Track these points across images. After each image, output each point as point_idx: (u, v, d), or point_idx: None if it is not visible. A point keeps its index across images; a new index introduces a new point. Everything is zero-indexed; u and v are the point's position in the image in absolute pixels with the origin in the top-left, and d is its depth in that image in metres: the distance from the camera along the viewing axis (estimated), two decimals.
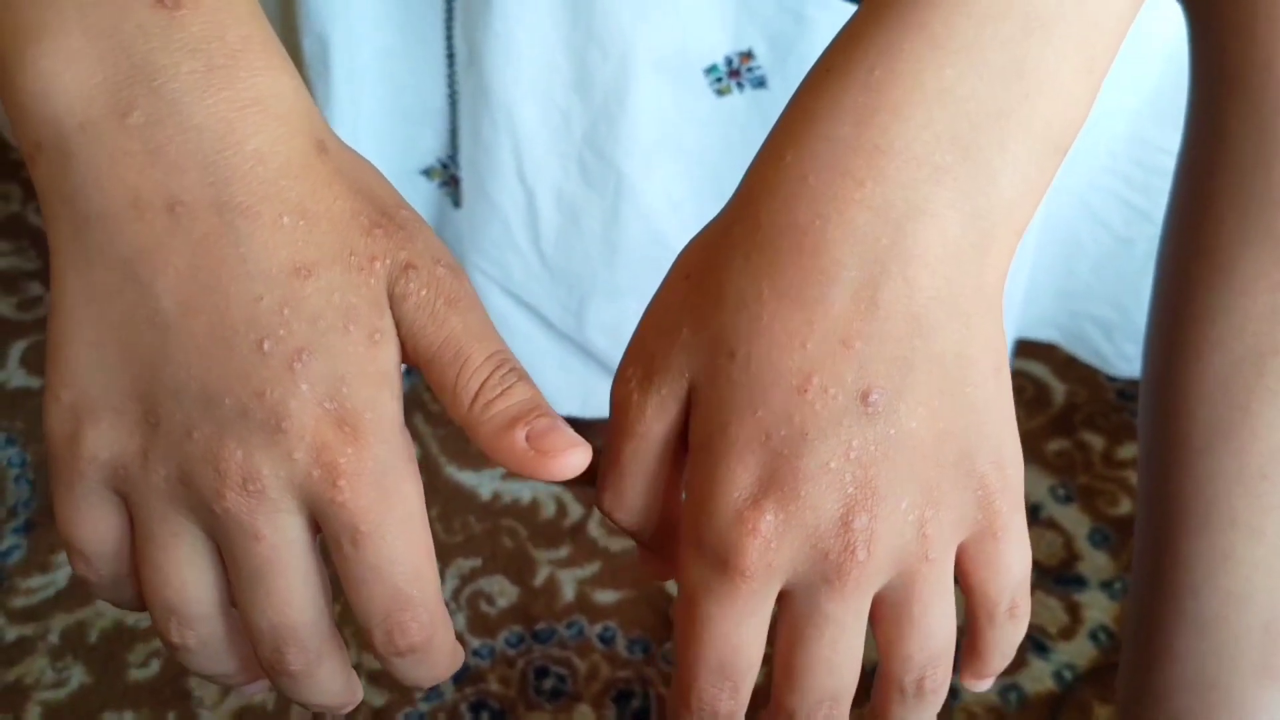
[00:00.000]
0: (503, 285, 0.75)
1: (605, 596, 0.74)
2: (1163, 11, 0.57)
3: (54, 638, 0.70)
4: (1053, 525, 0.80)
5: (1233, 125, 0.38)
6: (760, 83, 0.66)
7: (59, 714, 0.67)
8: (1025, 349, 0.91)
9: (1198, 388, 0.40)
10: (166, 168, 0.27)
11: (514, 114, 0.66)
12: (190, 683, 0.68)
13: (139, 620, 0.71)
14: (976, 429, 0.29)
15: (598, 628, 0.73)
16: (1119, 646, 0.72)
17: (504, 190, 0.70)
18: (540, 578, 0.75)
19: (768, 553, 0.29)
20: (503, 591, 0.74)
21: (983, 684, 0.34)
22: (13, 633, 0.70)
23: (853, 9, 0.30)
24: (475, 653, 0.71)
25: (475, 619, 0.72)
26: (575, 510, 0.79)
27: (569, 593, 0.74)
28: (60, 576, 0.73)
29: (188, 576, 0.30)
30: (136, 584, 0.31)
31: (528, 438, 0.30)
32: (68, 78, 0.27)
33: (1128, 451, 0.85)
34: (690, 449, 0.30)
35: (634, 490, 0.32)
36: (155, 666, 0.69)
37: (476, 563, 0.76)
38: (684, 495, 0.31)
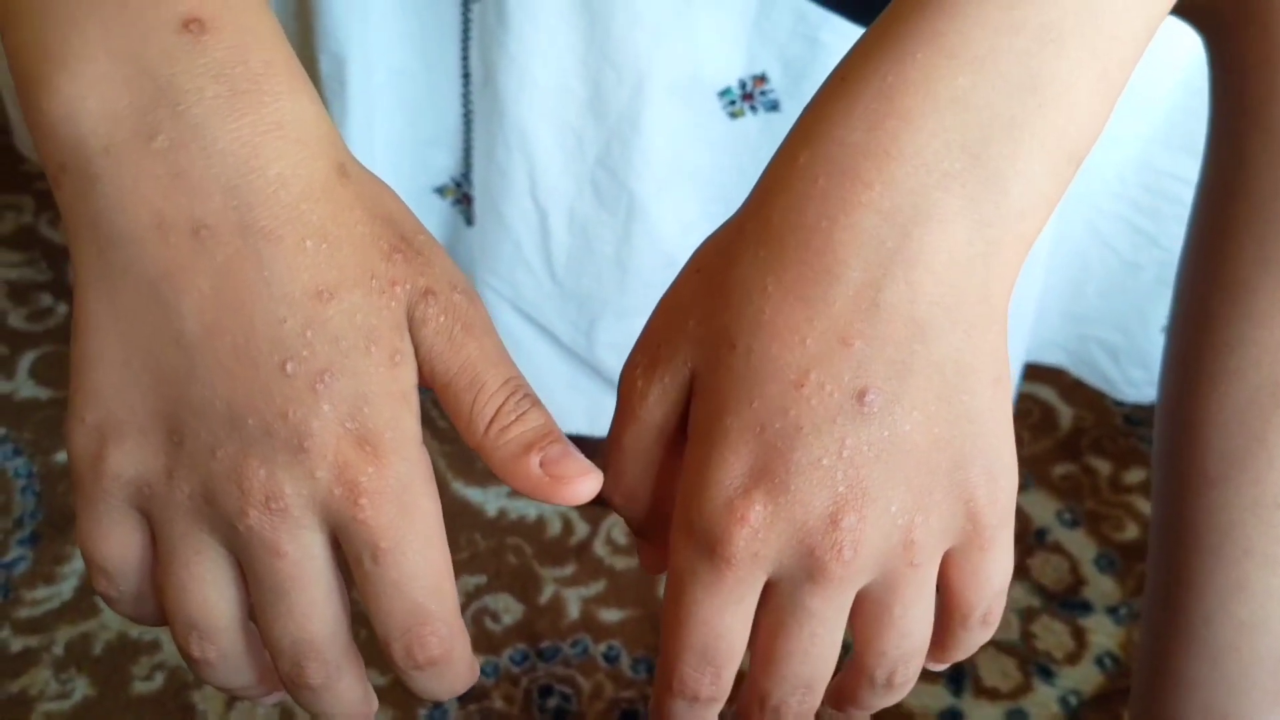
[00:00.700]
0: (513, 303, 0.75)
1: (610, 615, 0.74)
2: (1174, 38, 0.58)
3: (58, 649, 0.70)
4: (1059, 550, 0.80)
5: (1253, 155, 0.38)
6: (774, 106, 0.66)
7: None
8: (1032, 372, 0.91)
9: (1214, 417, 0.40)
10: (190, 191, 0.28)
11: (528, 134, 0.66)
12: (193, 696, 0.68)
13: (143, 633, 0.71)
14: (971, 438, 0.29)
15: (602, 646, 0.73)
16: (1125, 672, 0.72)
17: (517, 209, 0.70)
18: (545, 595, 0.75)
19: (754, 542, 0.29)
20: (507, 609, 0.74)
21: (937, 667, 0.35)
22: (17, 644, 0.70)
23: None
24: (479, 670, 0.71)
25: (480, 636, 0.72)
26: (581, 528, 0.79)
27: (574, 611, 0.74)
28: (65, 588, 0.73)
29: (209, 593, 0.31)
30: (157, 601, 0.32)
31: (541, 464, 0.30)
32: (92, 101, 0.28)
33: (1134, 476, 0.85)
34: (688, 437, 0.31)
35: (632, 475, 0.33)
36: (159, 679, 0.69)
37: (481, 580, 0.76)
38: None
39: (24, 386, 0.87)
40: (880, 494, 0.29)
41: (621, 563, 0.77)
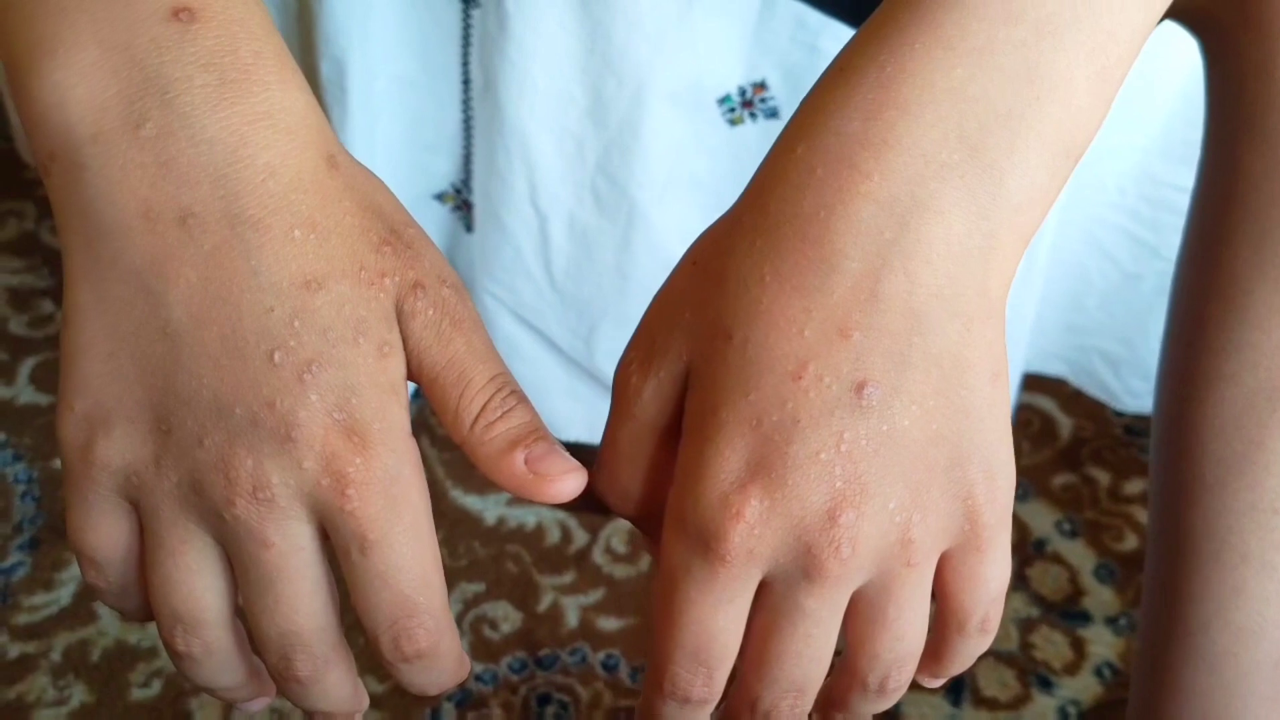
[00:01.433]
0: (513, 310, 0.75)
1: (609, 624, 0.74)
2: (1173, 49, 0.58)
3: (56, 656, 0.70)
4: (1058, 560, 0.80)
5: (1249, 162, 0.38)
6: (773, 113, 0.66)
7: None
8: (1032, 383, 0.91)
9: (1210, 422, 0.40)
10: (178, 180, 0.28)
11: (528, 141, 0.67)
12: (191, 704, 0.68)
13: (141, 640, 0.71)
14: (969, 435, 0.29)
15: (601, 655, 0.72)
16: (1124, 682, 0.72)
17: (517, 216, 0.70)
18: (544, 604, 0.75)
19: (750, 539, 0.29)
20: (506, 617, 0.74)
21: (935, 683, 0.34)
22: (15, 650, 0.70)
23: None
24: (478, 678, 0.71)
25: (478, 644, 0.72)
26: (580, 537, 0.79)
27: (572, 619, 0.74)
28: (64, 594, 0.73)
29: (195, 583, 0.30)
30: (144, 594, 0.32)
31: (526, 461, 0.30)
32: (81, 90, 0.28)
33: (1134, 487, 0.85)
34: (683, 431, 0.31)
35: (627, 474, 0.33)
36: (156, 687, 0.69)
37: (480, 587, 0.75)
38: None
39: (24, 392, 0.87)
40: (879, 490, 0.28)
41: (620, 571, 0.77)
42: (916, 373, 0.28)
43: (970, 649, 0.33)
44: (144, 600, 0.32)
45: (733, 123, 0.67)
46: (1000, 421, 0.30)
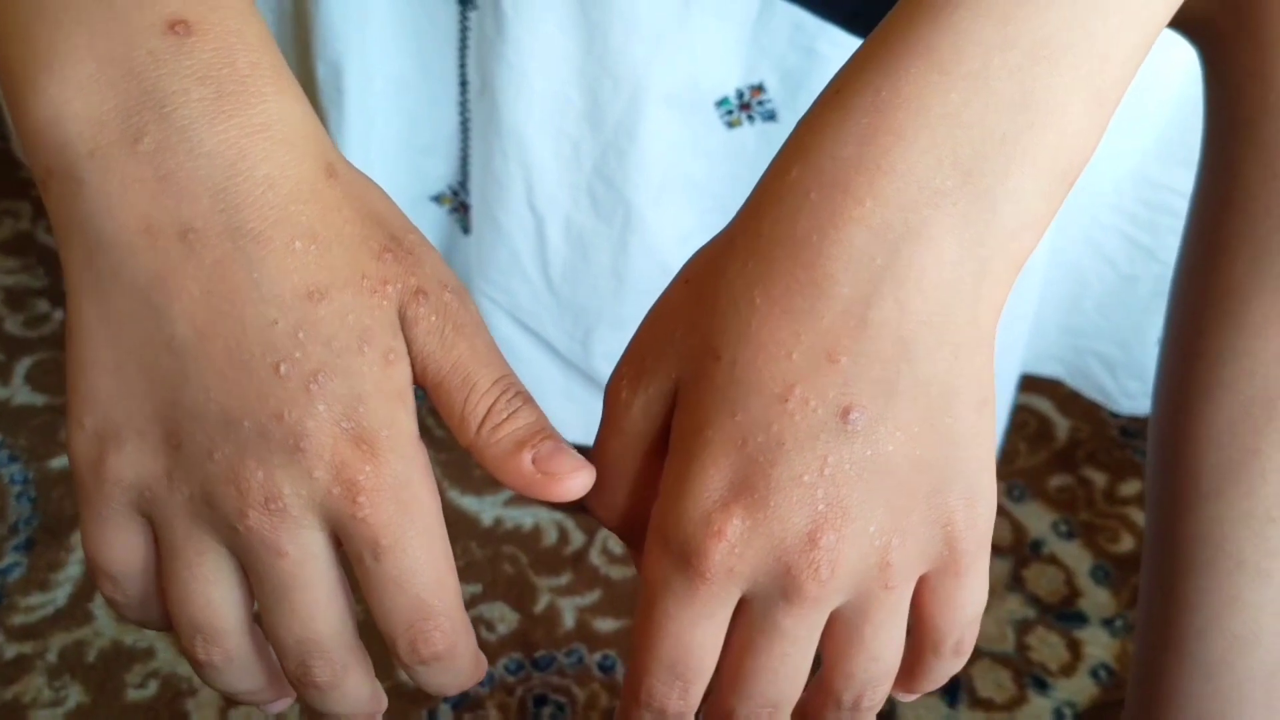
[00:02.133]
0: (510, 312, 0.75)
1: (605, 625, 0.74)
2: (1170, 54, 0.58)
3: (52, 656, 0.70)
4: (1054, 561, 0.80)
5: (1246, 168, 0.38)
6: (771, 116, 0.66)
7: None
8: (1029, 384, 0.91)
9: (1207, 430, 0.40)
10: (177, 194, 0.27)
11: (525, 143, 0.66)
12: (187, 704, 0.68)
13: (137, 640, 0.71)
14: (953, 463, 0.29)
15: (597, 656, 0.73)
16: (1120, 684, 0.72)
17: (513, 218, 0.70)
18: (541, 605, 0.75)
19: (730, 557, 0.29)
20: (503, 618, 0.74)
21: (909, 698, 0.34)
22: (11, 650, 0.70)
23: None
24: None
25: None
26: (577, 538, 0.79)
27: (569, 620, 0.74)
28: (59, 595, 0.73)
29: (213, 594, 0.31)
30: (163, 604, 0.32)
31: (534, 461, 0.30)
32: (78, 104, 0.27)
33: (1130, 488, 0.85)
34: (669, 448, 0.31)
35: (616, 487, 0.33)
36: (153, 687, 0.69)
37: (477, 589, 0.75)
38: None
39: (20, 393, 0.86)
40: (860, 514, 0.29)
41: (617, 572, 0.77)
42: (903, 400, 0.28)
43: (944, 669, 0.33)
44: (163, 611, 0.32)
45: (730, 125, 0.67)
46: (984, 449, 0.30)
